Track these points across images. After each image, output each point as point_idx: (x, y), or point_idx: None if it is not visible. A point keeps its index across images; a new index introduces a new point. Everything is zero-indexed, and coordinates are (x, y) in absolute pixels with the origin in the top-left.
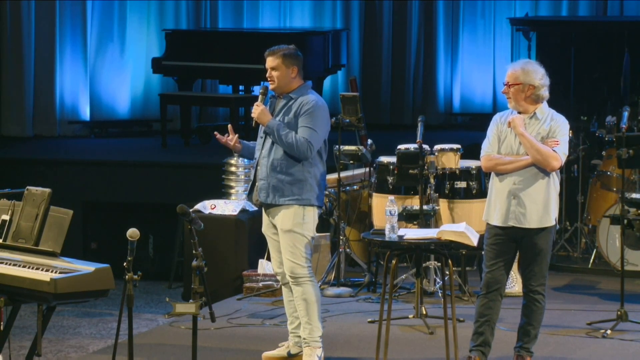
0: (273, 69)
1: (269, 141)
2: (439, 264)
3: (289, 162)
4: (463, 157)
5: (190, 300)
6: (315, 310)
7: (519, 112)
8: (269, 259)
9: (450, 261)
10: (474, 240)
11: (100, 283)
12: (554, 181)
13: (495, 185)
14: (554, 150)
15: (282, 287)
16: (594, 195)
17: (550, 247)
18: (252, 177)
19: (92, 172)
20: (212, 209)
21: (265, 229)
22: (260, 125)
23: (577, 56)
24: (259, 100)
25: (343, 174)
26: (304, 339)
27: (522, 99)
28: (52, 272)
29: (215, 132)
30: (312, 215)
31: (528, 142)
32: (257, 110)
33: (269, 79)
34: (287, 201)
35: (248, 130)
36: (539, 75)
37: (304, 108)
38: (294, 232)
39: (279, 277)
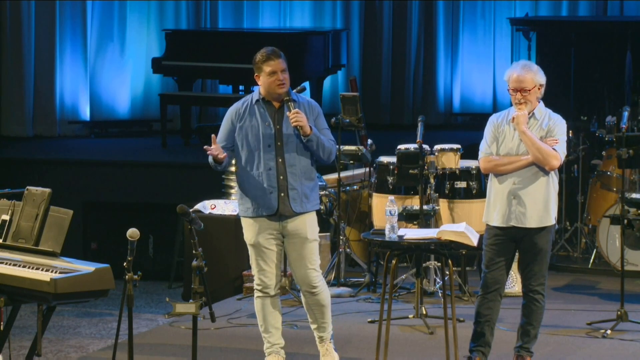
0: (284, 71)
1: (290, 147)
2: (439, 264)
3: (311, 167)
4: (463, 157)
5: (190, 300)
6: (330, 310)
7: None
8: None
9: (450, 261)
10: (474, 240)
11: (100, 283)
12: (553, 180)
13: (495, 186)
14: (553, 149)
15: (265, 299)
16: (594, 195)
17: (550, 246)
18: (264, 187)
19: (92, 172)
20: (212, 209)
21: (264, 239)
22: (266, 133)
23: (577, 56)
24: (294, 106)
25: (343, 174)
26: (322, 336)
27: (535, 100)
28: (52, 272)
29: (213, 135)
30: None
31: (529, 140)
32: (302, 118)
33: (280, 82)
34: (312, 207)
35: None
36: (543, 74)
37: (316, 110)
38: (316, 240)
39: (268, 290)
